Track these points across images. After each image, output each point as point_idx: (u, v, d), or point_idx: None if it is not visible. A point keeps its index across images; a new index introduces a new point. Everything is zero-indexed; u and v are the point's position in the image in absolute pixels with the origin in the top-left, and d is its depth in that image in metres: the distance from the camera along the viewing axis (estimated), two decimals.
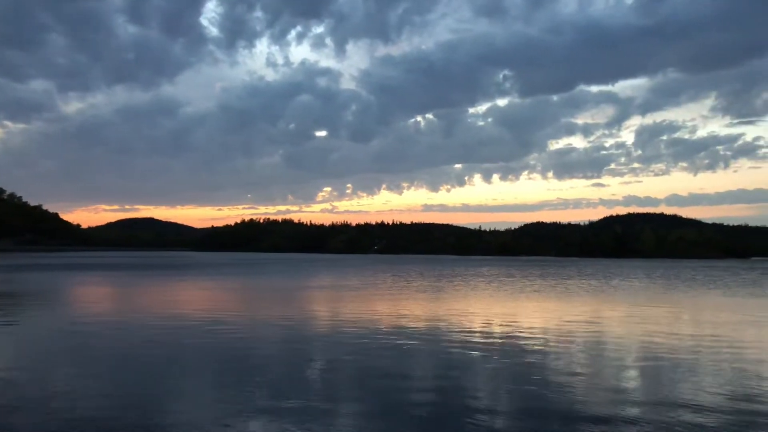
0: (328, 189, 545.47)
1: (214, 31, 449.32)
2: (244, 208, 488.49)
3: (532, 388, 10.31)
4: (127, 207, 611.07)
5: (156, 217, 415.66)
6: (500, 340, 15.70)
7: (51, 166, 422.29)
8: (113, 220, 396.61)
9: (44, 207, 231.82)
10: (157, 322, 18.60)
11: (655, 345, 15.13)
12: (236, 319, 19.72)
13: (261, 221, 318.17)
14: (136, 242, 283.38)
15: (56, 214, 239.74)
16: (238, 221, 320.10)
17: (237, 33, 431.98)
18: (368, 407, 9.13)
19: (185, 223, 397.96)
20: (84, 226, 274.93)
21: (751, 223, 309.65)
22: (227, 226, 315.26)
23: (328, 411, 8.80)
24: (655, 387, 10.56)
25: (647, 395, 9.96)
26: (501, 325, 18.79)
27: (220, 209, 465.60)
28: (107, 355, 13.20)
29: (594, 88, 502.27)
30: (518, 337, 16.18)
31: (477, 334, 16.82)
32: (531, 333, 17.12)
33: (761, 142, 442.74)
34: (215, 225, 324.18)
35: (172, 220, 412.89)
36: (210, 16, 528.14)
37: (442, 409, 9.02)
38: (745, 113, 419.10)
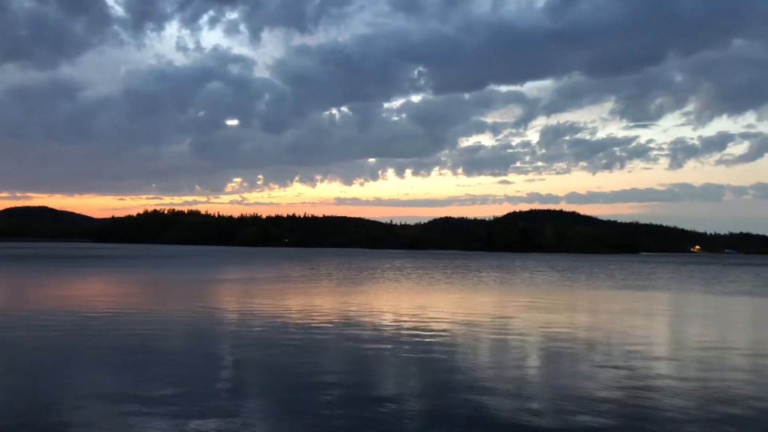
0: (238, 180, 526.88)
1: (119, 10, 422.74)
2: (148, 198, 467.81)
3: (447, 376, 10.80)
4: (18, 194, 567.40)
5: (51, 205, 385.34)
6: (420, 332, 16.14)
7: None
8: (1, 209, 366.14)
9: None
10: (51, 318, 17.61)
11: (558, 331, 16.26)
12: (139, 315, 19.01)
13: (166, 212, 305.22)
14: (28, 232, 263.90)
15: None
16: (141, 212, 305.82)
17: (145, 14, 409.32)
18: (275, 403, 9.04)
19: (83, 213, 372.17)
20: None
21: (641, 221, 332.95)
22: (129, 217, 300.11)
23: (234, 408, 8.59)
24: (555, 370, 11.40)
25: (548, 379, 10.73)
26: (421, 316, 19.32)
27: (122, 199, 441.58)
28: None
29: (503, 88, 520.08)
30: (440, 327, 16.75)
31: (398, 327, 17.22)
32: (452, 323, 17.76)
33: (653, 145, 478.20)
34: (116, 215, 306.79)
35: (69, 210, 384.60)
36: None
37: (353, 406, 9.20)
38: (640, 117, 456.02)
